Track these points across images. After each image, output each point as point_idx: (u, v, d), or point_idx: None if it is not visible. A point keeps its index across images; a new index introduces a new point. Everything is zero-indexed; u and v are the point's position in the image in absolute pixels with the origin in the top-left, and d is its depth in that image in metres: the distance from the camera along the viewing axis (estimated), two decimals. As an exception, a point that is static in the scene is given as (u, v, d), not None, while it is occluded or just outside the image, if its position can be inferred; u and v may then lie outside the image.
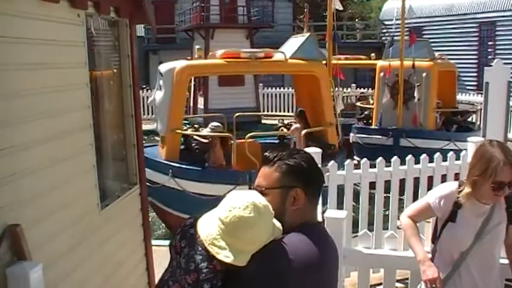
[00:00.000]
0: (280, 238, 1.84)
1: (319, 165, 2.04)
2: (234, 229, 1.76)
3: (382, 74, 13.33)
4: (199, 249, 1.79)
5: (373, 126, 13.62)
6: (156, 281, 4.68)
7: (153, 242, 5.61)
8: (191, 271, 1.78)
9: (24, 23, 2.81)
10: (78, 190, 3.42)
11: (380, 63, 13.92)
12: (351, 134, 13.41)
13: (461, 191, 2.93)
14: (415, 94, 12.55)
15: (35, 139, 2.87)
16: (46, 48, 3.04)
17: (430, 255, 3.17)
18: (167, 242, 2.00)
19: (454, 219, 2.97)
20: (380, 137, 12.60)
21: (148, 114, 19.68)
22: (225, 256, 1.74)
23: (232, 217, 1.76)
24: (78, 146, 3.46)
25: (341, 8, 11.18)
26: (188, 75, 9.55)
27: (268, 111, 21.00)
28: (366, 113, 14.94)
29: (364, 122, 14.51)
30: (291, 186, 1.91)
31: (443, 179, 5.70)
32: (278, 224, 1.87)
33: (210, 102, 17.73)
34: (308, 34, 10.31)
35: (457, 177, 5.71)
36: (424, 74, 12.51)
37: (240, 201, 1.79)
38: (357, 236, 4.39)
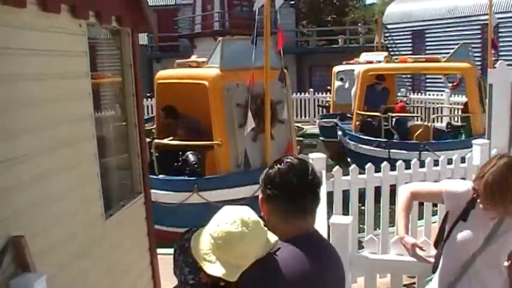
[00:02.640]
0: (273, 252, 1.83)
1: (313, 169, 1.92)
2: (222, 243, 1.78)
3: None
4: (190, 261, 1.84)
5: None
6: (163, 289, 4.68)
7: (160, 250, 5.60)
8: (181, 283, 1.86)
9: (25, 33, 2.81)
10: (82, 200, 3.42)
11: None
12: None
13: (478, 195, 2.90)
14: None
15: (37, 149, 2.86)
16: (48, 58, 3.05)
17: (432, 260, 3.16)
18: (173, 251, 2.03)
19: (465, 219, 2.93)
20: None
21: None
22: (215, 270, 1.77)
23: (220, 232, 1.79)
24: (81, 156, 3.45)
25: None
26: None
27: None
28: None
29: None
30: (261, 194, 1.92)
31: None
32: (273, 238, 1.87)
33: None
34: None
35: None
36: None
37: (228, 217, 1.82)
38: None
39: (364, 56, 16.15)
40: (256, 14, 9.15)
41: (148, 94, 22.66)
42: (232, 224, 1.78)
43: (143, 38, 28.03)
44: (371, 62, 14.22)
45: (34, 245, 2.62)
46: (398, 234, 3.12)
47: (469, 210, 2.91)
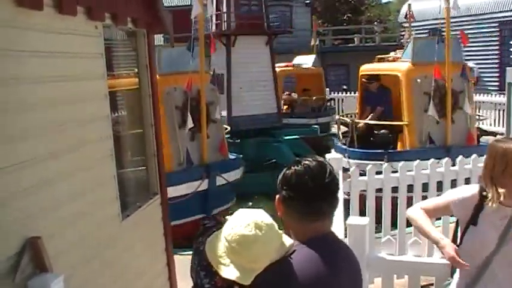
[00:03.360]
0: (289, 254, 1.82)
1: (331, 172, 1.89)
2: (236, 247, 1.78)
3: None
4: (205, 264, 1.84)
5: None
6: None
7: (176, 250, 5.61)
8: (197, 286, 1.85)
9: (41, 36, 2.83)
10: (99, 200, 3.43)
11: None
12: None
13: (485, 195, 2.87)
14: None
15: (54, 150, 2.88)
16: (64, 60, 3.07)
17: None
18: (190, 251, 2.03)
19: (475, 223, 2.90)
20: None
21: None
22: (230, 273, 1.76)
23: (234, 235, 1.79)
24: (98, 157, 3.47)
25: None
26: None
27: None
28: None
29: None
30: (278, 194, 1.90)
31: (467, 181, 5.61)
32: (288, 242, 1.86)
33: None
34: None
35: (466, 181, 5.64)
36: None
37: (242, 220, 1.82)
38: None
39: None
40: (193, 22, 10.46)
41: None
42: (246, 227, 1.78)
43: (159, 39, 28.12)
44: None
45: (51, 245, 2.64)
46: (433, 238, 3.05)
47: (478, 214, 2.89)
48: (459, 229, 3.03)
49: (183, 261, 4.96)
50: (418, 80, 10.43)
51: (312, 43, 22.08)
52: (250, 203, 11.53)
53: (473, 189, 2.98)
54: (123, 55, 4.44)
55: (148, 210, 4.39)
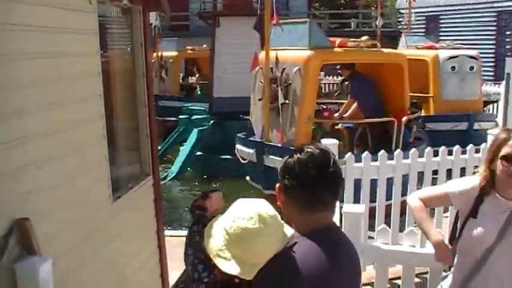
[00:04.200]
0: (290, 246, 1.74)
1: (334, 161, 1.83)
2: (238, 240, 1.68)
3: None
4: (202, 257, 1.75)
5: None
6: (170, 273, 4.66)
7: (167, 232, 5.55)
8: (195, 280, 1.77)
9: (32, 9, 2.72)
10: (89, 181, 3.35)
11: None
12: None
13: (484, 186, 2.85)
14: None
15: (44, 131, 2.79)
16: (56, 36, 2.95)
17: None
18: (181, 232, 1.96)
19: (475, 215, 2.87)
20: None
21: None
22: (231, 268, 1.67)
23: (236, 228, 1.68)
24: (89, 137, 3.38)
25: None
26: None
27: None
28: None
29: None
30: (279, 183, 1.82)
31: (463, 172, 5.57)
32: (289, 232, 1.78)
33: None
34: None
35: (476, 171, 5.60)
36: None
37: (245, 212, 1.71)
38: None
39: None
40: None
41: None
42: (249, 219, 1.68)
43: (153, 17, 27.85)
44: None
45: (40, 227, 2.57)
46: (431, 238, 3.07)
47: (478, 206, 2.87)
48: (459, 221, 2.99)
49: (172, 243, 4.94)
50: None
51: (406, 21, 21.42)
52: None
53: (473, 181, 2.95)
54: (117, 32, 4.33)
55: (140, 191, 4.31)
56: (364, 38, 10.55)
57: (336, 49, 9.28)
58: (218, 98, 15.12)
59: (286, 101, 8.97)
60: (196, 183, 12.92)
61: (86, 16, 3.34)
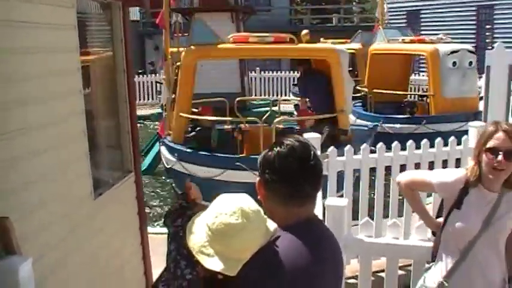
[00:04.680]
0: (273, 240, 1.73)
1: (315, 154, 1.82)
2: (221, 236, 1.65)
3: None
4: (185, 253, 1.72)
5: None
6: (153, 271, 4.62)
7: (150, 229, 5.52)
8: (178, 277, 1.73)
9: (9, 4, 2.66)
10: (70, 178, 3.30)
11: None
12: None
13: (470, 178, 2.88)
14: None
15: (22, 127, 2.74)
16: (34, 31, 2.90)
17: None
18: (164, 230, 1.92)
19: (459, 207, 2.90)
20: None
21: (142, 99, 19.73)
22: (214, 264, 1.64)
23: (219, 224, 1.65)
24: (70, 133, 3.33)
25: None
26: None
27: (262, 95, 20.78)
28: None
29: None
30: (259, 177, 1.80)
31: (445, 164, 5.61)
32: (272, 226, 1.76)
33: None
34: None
35: (457, 163, 5.64)
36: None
37: (227, 207, 1.68)
38: (357, 224, 4.29)
39: None
40: None
41: (140, 71, 22.41)
42: (231, 215, 1.65)
43: (135, 14, 27.62)
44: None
45: (20, 226, 2.52)
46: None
47: (463, 197, 2.89)
48: (443, 210, 3.02)
49: (156, 241, 4.90)
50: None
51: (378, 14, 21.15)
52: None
53: (457, 173, 2.98)
54: (96, 29, 4.28)
55: (122, 188, 4.28)
56: (304, 32, 10.83)
57: (221, 46, 9.09)
58: (195, 93, 15.10)
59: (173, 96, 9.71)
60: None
61: (65, 11, 3.29)
